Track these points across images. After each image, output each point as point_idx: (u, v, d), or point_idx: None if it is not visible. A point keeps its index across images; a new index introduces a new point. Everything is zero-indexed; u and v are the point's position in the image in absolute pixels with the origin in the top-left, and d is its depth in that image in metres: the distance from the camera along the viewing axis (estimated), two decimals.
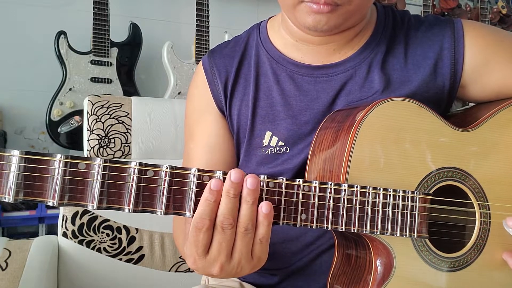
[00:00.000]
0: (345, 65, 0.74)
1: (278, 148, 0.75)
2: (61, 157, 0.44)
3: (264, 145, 0.75)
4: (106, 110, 1.15)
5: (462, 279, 0.64)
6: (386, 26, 0.76)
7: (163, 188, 0.48)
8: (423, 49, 0.74)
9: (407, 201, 0.58)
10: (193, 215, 0.49)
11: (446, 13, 3.01)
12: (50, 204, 0.44)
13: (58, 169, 0.44)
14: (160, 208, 0.47)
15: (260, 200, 0.50)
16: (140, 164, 0.47)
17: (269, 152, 0.75)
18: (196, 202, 0.49)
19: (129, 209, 0.46)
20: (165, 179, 0.48)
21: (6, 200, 0.42)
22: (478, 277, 0.65)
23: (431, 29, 0.75)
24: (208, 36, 2.29)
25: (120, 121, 1.15)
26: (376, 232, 0.56)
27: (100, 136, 1.12)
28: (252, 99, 0.76)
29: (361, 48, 0.74)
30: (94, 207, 0.45)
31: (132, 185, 0.46)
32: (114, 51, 2.17)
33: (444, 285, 0.63)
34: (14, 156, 0.43)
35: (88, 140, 1.12)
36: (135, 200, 0.46)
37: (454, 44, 0.73)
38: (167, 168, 0.48)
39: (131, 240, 1.12)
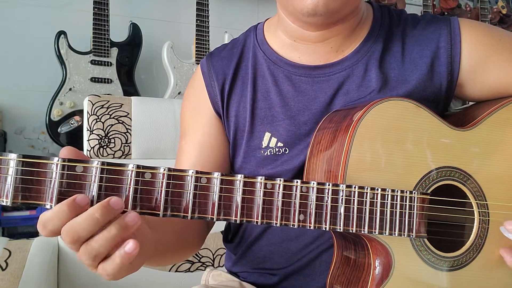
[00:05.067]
0: (342, 64, 0.74)
1: (277, 149, 0.75)
2: (58, 160, 0.44)
3: (263, 147, 0.76)
4: (106, 110, 1.15)
5: (461, 278, 0.64)
6: (383, 24, 0.76)
7: (161, 190, 0.48)
8: (420, 48, 0.74)
9: (405, 201, 0.58)
10: (191, 217, 0.49)
11: (446, 13, 3.01)
12: (48, 207, 0.44)
13: (56, 172, 0.44)
14: (158, 210, 0.47)
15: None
16: (138, 167, 0.47)
17: (269, 153, 0.75)
18: (194, 203, 0.49)
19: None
20: (162, 181, 0.48)
21: (4, 204, 0.42)
22: (477, 276, 0.65)
23: (428, 28, 0.75)
24: (208, 36, 2.29)
25: (120, 121, 1.15)
26: (375, 232, 0.56)
27: (100, 136, 1.13)
28: (250, 100, 0.76)
29: (358, 47, 0.74)
30: None
31: (129, 187, 0.47)
32: (114, 51, 2.17)
33: (443, 285, 0.63)
34: (12, 160, 0.43)
35: (88, 140, 1.12)
36: (133, 203, 0.47)
37: (451, 42, 0.73)
38: (164, 170, 0.48)
39: None
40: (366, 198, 0.56)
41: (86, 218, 0.44)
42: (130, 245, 0.45)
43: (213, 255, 1.24)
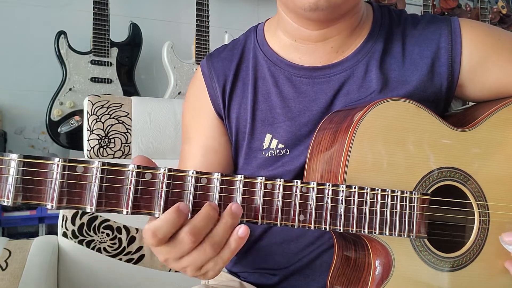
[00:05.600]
0: (343, 65, 0.74)
1: (278, 151, 0.75)
2: (59, 161, 0.44)
3: (264, 148, 0.76)
4: (106, 110, 1.15)
5: (461, 279, 0.64)
6: (383, 25, 0.76)
7: (161, 190, 0.48)
8: (420, 48, 0.74)
9: (405, 201, 0.58)
10: (191, 217, 0.49)
11: (446, 13, 3.02)
12: (48, 207, 0.44)
13: (56, 172, 0.44)
14: (158, 210, 0.48)
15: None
16: (138, 167, 0.47)
17: (269, 155, 0.75)
18: (194, 204, 0.49)
19: (127, 212, 0.46)
20: (163, 182, 0.48)
21: (5, 204, 0.42)
22: (477, 276, 0.65)
23: (428, 28, 0.75)
24: (208, 36, 2.29)
25: (120, 121, 1.15)
26: (375, 233, 0.56)
27: (100, 136, 1.13)
28: (251, 102, 0.76)
29: (358, 47, 0.74)
30: (93, 210, 0.45)
31: (130, 187, 0.47)
32: (114, 51, 2.17)
33: (443, 285, 0.63)
34: (13, 160, 0.43)
35: (88, 140, 1.12)
36: (133, 203, 0.47)
37: (452, 43, 0.73)
38: (165, 170, 0.48)
39: (131, 240, 1.12)
40: (366, 198, 0.56)
41: (204, 217, 0.48)
42: (242, 229, 0.50)
43: None
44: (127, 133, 1.15)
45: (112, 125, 1.14)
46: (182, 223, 0.48)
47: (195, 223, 0.48)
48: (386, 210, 0.57)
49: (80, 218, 1.09)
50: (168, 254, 0.50)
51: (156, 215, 0.47)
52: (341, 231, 0.55)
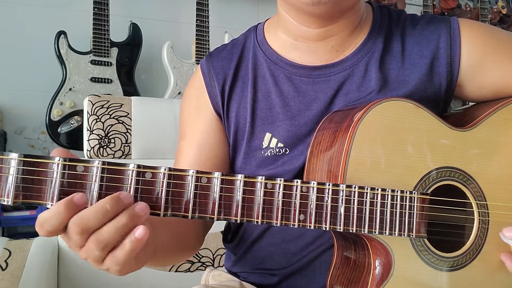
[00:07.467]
0: (342, 64, 0.74)
1: (277, 150, 0.75)
2: (59, 160, 0.44)
3: (263, 147, 0.75)
4: (106, 110, 1.15)
5: (461, 278, 0.64)
6: (382, 25, 0.76)
7: (161, 190, 0.48)
8: (420, 48, 0.74)
9: (405, 201, 0.58)
10: (191, 217, 0.49)
11: (446, 13, 3.02)
12: (48, 206, 0.44)
13: (57, 171, 0.44)
14: (158, 210, 0.48)
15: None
16: (138, 166, 0.47)
17: (269, 154, 0.75)
18: (195, 203, 0.49)
19: None
20: (163, 181, 0.48)
21: (5, 203, 0.42)
22: (476, 276, 0.65)
23: (428, 28, 0.75)
24: (208, 36, 2.29)
25: (120, 121, 1.15)
26: (375, 232, 0.56)
27: (100, 136, 1.13)
28: (250, 101, 0.76)
29: (358, 47, 0.74)
30: None
31: (130, 187, 0.47)
32: (114, 51, 2.17)
33: (443, 285, 0.63)
34: (13, 159, 0.43)
35: (88, 140, 1.12)
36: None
37: (451, 43, 0.73)
38: (165, 169, 0.48)
39: None
40: (366, 198, 0.56)
41: (96, 209, 0.44)
42: (139, 231, 0.46)
43: (213, 255, 1.24)
44: (127, 133, 1.15)
45: (112, 125, 1.14)
46: (72, 216, 0.45)
47: (83, 213, 0.44)
48: (386, 210, 0.57)
49: None
50: (67, 242, 0.47)
51: (157, 215, 0.47)
52: (341, 230, 0.55)
